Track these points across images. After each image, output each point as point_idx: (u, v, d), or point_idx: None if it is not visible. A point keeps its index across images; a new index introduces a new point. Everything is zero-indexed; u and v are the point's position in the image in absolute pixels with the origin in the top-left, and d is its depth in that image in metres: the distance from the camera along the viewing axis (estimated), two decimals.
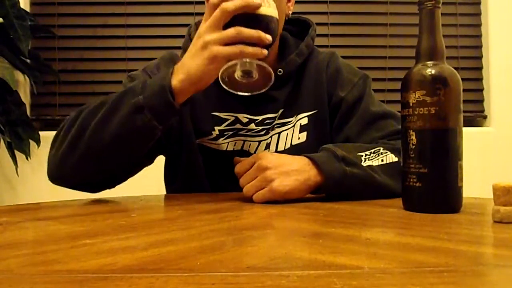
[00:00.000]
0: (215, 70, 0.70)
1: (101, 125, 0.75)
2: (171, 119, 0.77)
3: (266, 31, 0.69)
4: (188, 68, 0.71)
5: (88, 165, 0.78)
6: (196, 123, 0.93)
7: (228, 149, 0.92)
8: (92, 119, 0.76)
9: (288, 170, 0.73)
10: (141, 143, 0.77)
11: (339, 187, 0.75)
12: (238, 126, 0.92)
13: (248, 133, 0.92)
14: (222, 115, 0.92)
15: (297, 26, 1.03)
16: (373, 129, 0.92)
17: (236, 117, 0.92)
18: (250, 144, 0.93)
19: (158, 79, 0.73)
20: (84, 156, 0.77)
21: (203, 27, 0.71)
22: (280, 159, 0.76)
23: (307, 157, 0.76)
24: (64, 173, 0.81)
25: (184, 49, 0.97)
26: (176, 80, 0.72)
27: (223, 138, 0.92)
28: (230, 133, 0.92)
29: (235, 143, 0.92)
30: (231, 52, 0.68)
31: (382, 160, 0.79)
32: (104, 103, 0.77)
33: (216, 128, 0.92)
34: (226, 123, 0.92)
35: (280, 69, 0.94)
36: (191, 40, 0.96)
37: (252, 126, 0.92)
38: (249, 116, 0.92)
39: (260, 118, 0.92)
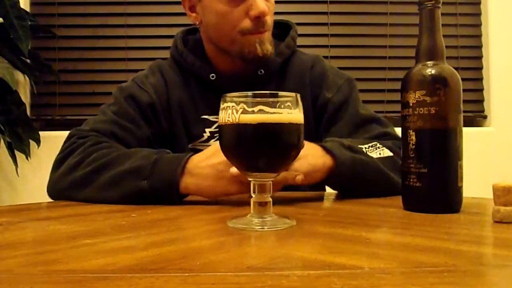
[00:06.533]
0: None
1: (101, 191, 0.75)
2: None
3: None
4: (206, 189, 0.72)
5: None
6: (187, 127, 0.96)
7: None
8: (92, 177, 0.76)
9: (305, 154, 0.72)
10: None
11: (351, 172, 0.76)
12: None
13: None
14: (210, 118, 0.96)
15: (279, 29, 1.05)
16: (361, 132, 0.94)
17: None
18: None
19: (167, 172, 0.72)
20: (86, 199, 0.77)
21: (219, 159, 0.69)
22: None
23: (318, 145, 0.77)
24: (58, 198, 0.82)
25: (173, 57, 1.01)
26: (185, 186, 0.72)
27: (213, 140, 0.95)
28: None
29: None
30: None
31: (380, 154, 0.81)
32: (109, 163, 0.76)
33: (207, 130, 0.95)
34: (215, 125, 0.95)
35: (261, 69, 0.96)
36: (177, 50, 0.99)
37: None
38: None
39: None
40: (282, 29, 1.04)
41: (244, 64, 0.94)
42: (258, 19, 0.88)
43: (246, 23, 0.89)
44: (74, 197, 0.78)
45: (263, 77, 0.96)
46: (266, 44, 0.91)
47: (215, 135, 0.94)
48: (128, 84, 0.97)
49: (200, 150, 0.93)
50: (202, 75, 0.96)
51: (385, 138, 0.89)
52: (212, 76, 0.95)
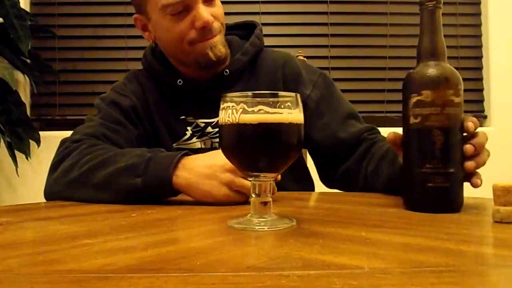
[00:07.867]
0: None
1: (96, 190, 0.76)
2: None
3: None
4: (194, 186, 0.71)
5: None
6: (169, 128, 0.98)
7: (201, 147, 0.98)
8: (88, 177, 0.77)
9: None
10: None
11: None
12: (200, 128, 0.98)
13: (209, 135, 0.98)
14: (188, 119, 0.98)
15: (244, 30, 1.07)
16: (351, 124, 0.96)
17: (196, 122, 0.97)
18: (217, 144, 0.97)
19: (161, 168, 0.72)
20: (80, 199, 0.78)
21: (220, 165, 0.70)
22: None
23: None
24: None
25: (143, 67, 1.04)
26: (177, 181, 0.71)
27: (195, 138, 0.98)
28: (199, 134, 0.98)
29: (204, 142, 0.98)
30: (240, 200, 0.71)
31: None
32: (104, 162, 0.77)
33: (189, 128, 0.98)
34: (192, 125, 0.98)
35: (226, 70, 0.97)
36: (146, 60, 1.03)
37: (209, 129, 0.97)
38: (204, 120, 0.97)
39: (214, 120, 0.97)
40: (248, 30, 1.06)
41: (205, 70, 0.96)
42: (204, 29, 0.90)
43: (192, 34, 0.90)
44: (71, 198, 0.78)
45: (231, 77, 0.98)
46: (219, 46, 0.92)
47: (195, 134, 0.97)
48: (108, 93, 1.00)
49: (186, 149, 0.95)
50: (171, 82, 0.99)
51: (374, 130, 0.95)
52: (179, 82, 0.97)
